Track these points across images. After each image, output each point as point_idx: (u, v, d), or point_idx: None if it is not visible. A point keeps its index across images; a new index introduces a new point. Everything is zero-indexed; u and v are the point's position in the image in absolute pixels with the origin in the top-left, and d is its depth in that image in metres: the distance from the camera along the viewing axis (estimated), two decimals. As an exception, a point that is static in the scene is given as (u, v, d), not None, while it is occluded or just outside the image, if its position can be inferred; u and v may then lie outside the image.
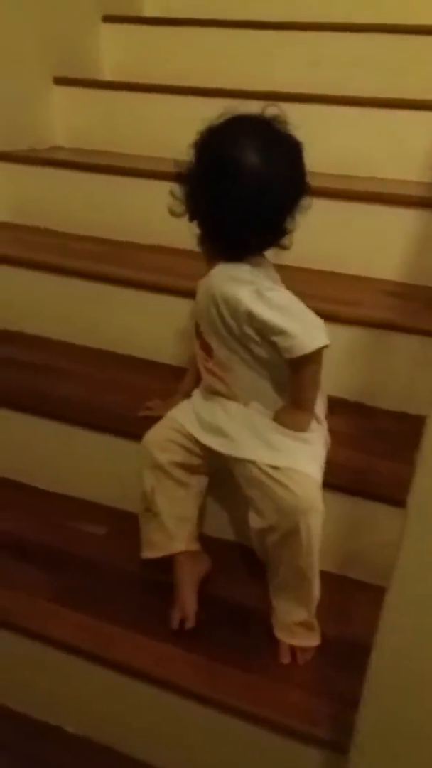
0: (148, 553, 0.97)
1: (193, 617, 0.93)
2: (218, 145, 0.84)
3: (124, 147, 1.74)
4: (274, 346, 0.86)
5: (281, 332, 0.83)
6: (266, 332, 0.85)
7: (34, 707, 1.01)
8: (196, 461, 0.96)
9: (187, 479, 0.96)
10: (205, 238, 0.90)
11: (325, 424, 0.98)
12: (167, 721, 0.93)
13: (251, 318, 0.85)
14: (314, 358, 0.84)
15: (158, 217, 1.50)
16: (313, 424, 0.93)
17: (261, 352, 0.89)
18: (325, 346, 0.84)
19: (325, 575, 1.02)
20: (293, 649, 0.91)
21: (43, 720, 1.00)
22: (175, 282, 1.32)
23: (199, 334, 0.95)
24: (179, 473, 0.95)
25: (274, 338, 0.84)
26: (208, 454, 0.94)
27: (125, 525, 1.12)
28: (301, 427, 0.90)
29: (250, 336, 0.87)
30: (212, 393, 0.96)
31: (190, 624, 0.93)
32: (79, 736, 0.98)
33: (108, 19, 1.90)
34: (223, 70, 1.71)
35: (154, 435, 0.96)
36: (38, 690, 1.01)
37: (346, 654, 0.91)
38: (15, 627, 0.97)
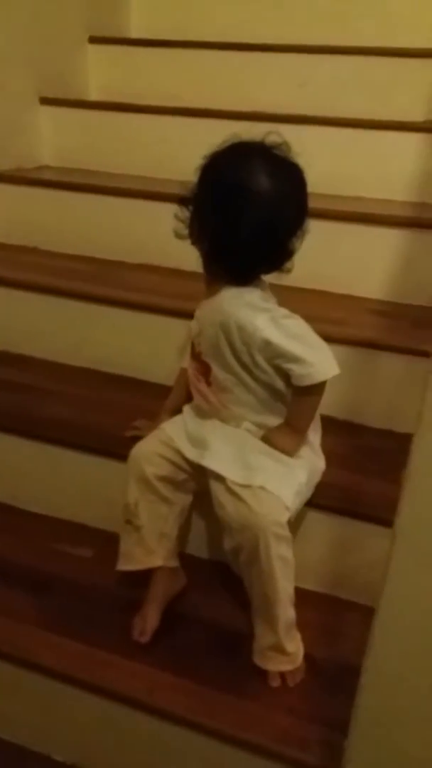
0: (124, 566, 0.97)
1: (150, 633, 0.94)
2: (230, 170, 0.85)
3: (110, 166, 1.75)
4: (280, 371, 0.88)
5: (298, 360, 0.86)
6: (280, 359, 0.87)
7: (21, 735, 0.99)
8: (181, 476, 0.97)
9: (171, 495, 0.96)
10: (209, 261, 0.91)
11: (320, 453, 0.98)
12: (159, 748, 0.91)
13: (267, 345, 0.86)
14: (322, 386, 0.89)
15: (145, 236, 1.54)
16: (304, 451, 0.94)
17: (262, 376, 0.90)
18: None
19: (314, 595, 1.02)
20: (282, 673, 0.90)
21: (31, 749, 0.98)
22: (162, 301, 1.33)
23: (196, 355, 0.96)
24: (164, 488, 0.95)
25: (288, 365, 0.87)
26: (194, 470, 0.95)
27: (112, 547, 1.10)
28: (291, 448, 0.92)
29: (258, 362, 0.89)
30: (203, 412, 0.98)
31: (144, 639, 0.94)
32: (67, 765, 0.96)
33: (94, 40, 1.92)
34: (209, 91, 1.73)
35: (143, 447, 0.97)
36: (26, 718, 1.00)
37: (337, 676, 0.91)
38: (2, 653, 0.95)
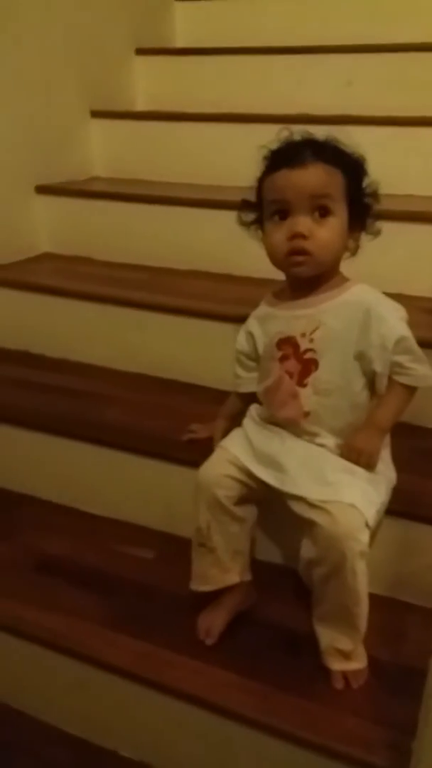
0: (201, 587, 0.97)
1: (216, 637, 0.96)
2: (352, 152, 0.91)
3: (159, 175, 1.79)
4: (399, 370, 0.90)
5: (422, 360, 0.89)
6: (407, 356, 0.89)
7: (89, 731, 1.03)
8: (250, 493, 0.95)
9: (243, 513, 0.96)
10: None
11: (392, 466, 0.97)
12: (223, 746, 0.93)
13: (402, 340, 0.88)
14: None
15: (195, 242, 1.56)
16: (380, 466, 0.93)
17: (363, 381, 0.91)
18: None
19: (374, 598, 1.01)
20: (345, 674, 0.90)
21: (99, 744, 1.01)
22: (214, 307, 1.36)
23: (298, 355, 0.92)
24: (235, 508, 0.94)
25: (413, 364, 0.89)
26: (263, 485, 0.93)
27: (173, 548, 1.14)
28: (377, 449, 0.91)
29: (381, 358, 0.89)
30: (270, 423, 0.97)
31: (210, 641, 0.96)
32: (134, 761, 0.99)
33: (141, 51, 1.97)
34: (255, 95, 1.75)
35: (210, 470, 0.95)
36: (94, 714, 1.03)
37: (401, 678, 0.90)
38: (71, 652, 0.99)
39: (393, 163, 1.52)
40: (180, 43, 2.12)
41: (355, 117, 1.55)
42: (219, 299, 1.39)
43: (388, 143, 1.54)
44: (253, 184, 0.94)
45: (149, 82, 1.97)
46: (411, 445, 1.13)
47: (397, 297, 1.40)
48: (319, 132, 0.92)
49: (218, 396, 1.18)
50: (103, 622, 1.01)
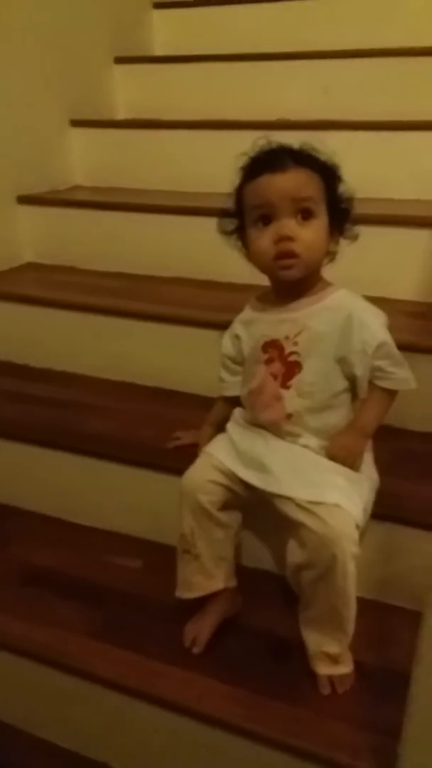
0: (186, 594, 0.97)
1: (203, 645, 0.96)
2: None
3: (141, 183, 1.79)
4: (380, 374, 0.91)
5: (402, 364, 0.91)
6: (387, 361, 0.90)
7: (80, 744, 1.02)
8: (234, 497, 0.96)
9: (227, 519, 0.96)
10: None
11: (374, 467, 0.98)
12: (212, 755, 0.93)
13: (383, 345, 0.89)
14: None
15: (177, 249, 1.57)
16: (364, 466, 0.94)
17: (345, 384, 0.92)
18: None
19: (359, 601, 1.01)
20: (331, 679, 0.91)
21: (90, 757, 1.01)
22: (196, 314, 1.36)
23: (282, 358, 0.93)
24: (219, 514, 0.95)
25: (393, 369, 0.90)
26: (247, 489, 0.94)
27: (159, 557, 1.14)
28: (361, 450, 0.93)
29: (363, 362, 0.90)
30: (254, 425, 0.97)
31: (197, 650, 0.96)
32: (125, 772, 0.99)
33: (120, 60, 1.97)
34: (235, 102, 1.76)
35: (194, 476, 0.95)
36: (84, 727, 1.02)
37: (387, 682, 0.91)
38: (59, 664, 0.99)
39: (373, 167, 1.55)
40: (159, 51, 2.13)
41: (335, 122, 1.56)
42: (202, 306, 1.39)
43: (367, 147, 1.56)
44: (232, 192, 0.94)
45: (129, 91, 1.98)
46: (393, 447, 1.14)
47: (379, 300, 1.41)
48: (299, 138, 0.92)
49: (204, 402, 1.18)
50: (90, 633, 1.01)
